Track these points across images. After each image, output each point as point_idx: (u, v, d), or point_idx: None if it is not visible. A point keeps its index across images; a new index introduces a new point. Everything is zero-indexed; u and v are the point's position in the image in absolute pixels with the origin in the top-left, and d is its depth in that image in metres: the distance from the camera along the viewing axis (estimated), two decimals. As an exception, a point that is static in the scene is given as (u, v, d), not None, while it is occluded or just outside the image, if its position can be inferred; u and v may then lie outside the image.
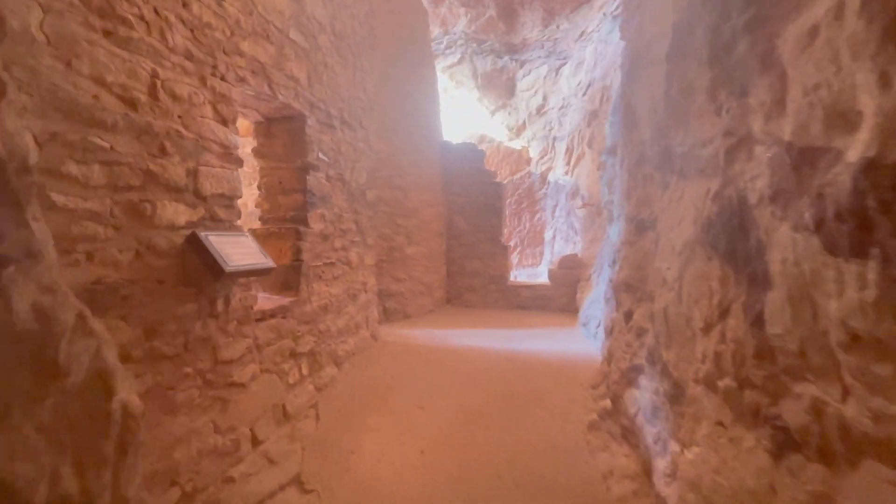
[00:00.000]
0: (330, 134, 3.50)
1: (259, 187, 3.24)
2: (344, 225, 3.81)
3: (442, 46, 9.62)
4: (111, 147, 1.62)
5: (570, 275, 6.49)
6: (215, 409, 2.20)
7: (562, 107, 9.49)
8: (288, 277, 3.09)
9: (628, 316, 2.72)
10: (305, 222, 3.15)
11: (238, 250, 2.10)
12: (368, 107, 4.33)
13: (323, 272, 3.44)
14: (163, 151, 1.85)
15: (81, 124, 1.52)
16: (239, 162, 2.34)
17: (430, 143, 6.48)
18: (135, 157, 1.72)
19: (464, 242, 6.98)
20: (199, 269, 1.98)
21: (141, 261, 1.75)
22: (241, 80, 2.38)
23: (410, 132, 6.00)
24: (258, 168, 3.24)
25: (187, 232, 1.97)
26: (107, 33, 1.61)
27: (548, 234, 9.92)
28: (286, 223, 3.18)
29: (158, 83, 1.83)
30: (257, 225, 3.23)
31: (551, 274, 6.64)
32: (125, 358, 1.69)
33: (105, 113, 1.60)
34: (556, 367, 3.96)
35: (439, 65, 9.84)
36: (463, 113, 10.61)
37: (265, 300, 2.88)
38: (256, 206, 3.25)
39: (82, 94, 1.52)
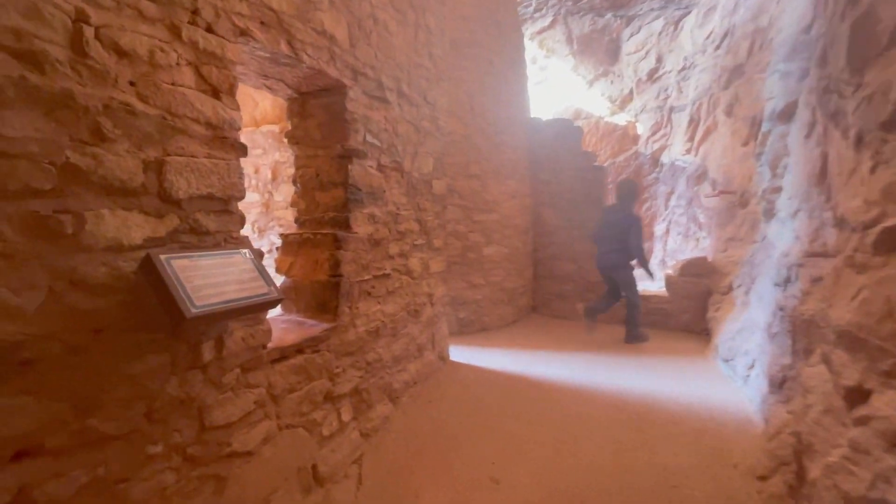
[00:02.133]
0: (382, 110, 2.80)
1: (294, 181, 2.66)
2: (402, 225, 3.11)
3: (530, 9, 8.48)
4: (-9, 129, 1.05)
5: (697, 285, 5.10)
6: (205, 491, 1.63)
7: (683, 68, 7.78)
8: (325, 297, 2.47)
9: (856, 396, 1.58)
10: (346, 225, 2.50)
11: (221, 279, 1.47)
12: (436, 77, 3.56)
13: (373, 287, 2.78)
14: (98, 136, 1.26)
15: (-80, 92, 0.95)
16: (238, 149, 1.71)
17: (514, 122, 5.53)
18: (42, 145, 1.14)
19: (554, 240, 5.93)
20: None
21: (59, 303, 1.18)
22: (243, 33, 1.74)
23: (490, 109, 5.11)
24: (293, 157, 2.65)
25: (145, 253, 1.37)
26: (-23, -56, 1.02)
27: (659, 228, 8.33)
28: (324, 226, 2.56)
29: (89, 32, 1.22)
30: (294, 229, 2.66)
31: (669, 282, 5.30)
32: (36, 450, 1.14)
33: (-24, 74, 1.02)
34: (691, 429, 2.85)
35: (527, 30, 8.73)
36: (555, 85, 9.35)
37: (291, 328, 2.28)
38: (292, 206, 2.68)
39: (-80, 40, 0.94)
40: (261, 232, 5.01)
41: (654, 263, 4.49)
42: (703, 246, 6.26)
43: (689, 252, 6.42)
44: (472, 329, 5.05)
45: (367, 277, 2.70)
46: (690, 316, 5.15)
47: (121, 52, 1.31)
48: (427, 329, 3.60)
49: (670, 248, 7.64)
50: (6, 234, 1.08)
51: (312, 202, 2.61)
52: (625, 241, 4.55)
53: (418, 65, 3.26)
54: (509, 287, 5.39)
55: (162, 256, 1.34)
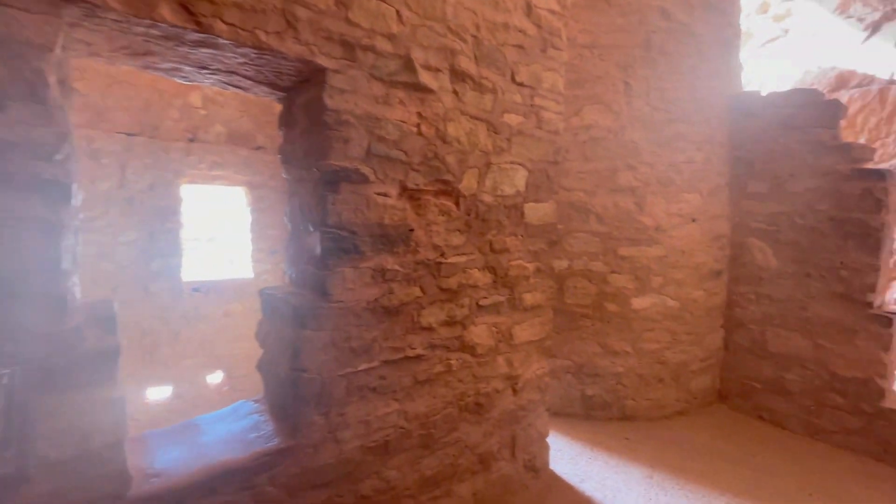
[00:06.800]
0: (413, 104, 1.87)
1: (285, 218, 1.99)
2: (452, 279, 2.12)
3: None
4: None
5: None
6: None
7: None
8: (282, 399, 1.72)
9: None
10: (322, 289, 1.68)
11: None
12: (540, 44, 2.40)
13: (382, 379, 1.89)
14: None
15: None
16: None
17: (704, 103, 3.74)
18: None
19: (770, 293, 3.84)
20: None
21: None
22: None
23: (659, 86, 3.53)
24: (286, 183, 1.98)
25: None
26: None
27: None
28: (304, 289, 1.81)
29: None
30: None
31: None
32: None
33: None
34: None
35: (754, -34, 6.29)
36: (803, 40, 6.51)
37: (224, 444, 1.60)
38: (285, 250, 2.02)
39: None
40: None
41: None
42: None
43: None
44: (605, 415, 3.61)
45: (366, 366, 1.83)
46: None
47: None
48: (501, 430, 2.50)
49: None
50: None
51: (301, 249, 1.89)
52: None
53: (500, 26, 2.19)
54: (674, 360, 3.69)
55: None
